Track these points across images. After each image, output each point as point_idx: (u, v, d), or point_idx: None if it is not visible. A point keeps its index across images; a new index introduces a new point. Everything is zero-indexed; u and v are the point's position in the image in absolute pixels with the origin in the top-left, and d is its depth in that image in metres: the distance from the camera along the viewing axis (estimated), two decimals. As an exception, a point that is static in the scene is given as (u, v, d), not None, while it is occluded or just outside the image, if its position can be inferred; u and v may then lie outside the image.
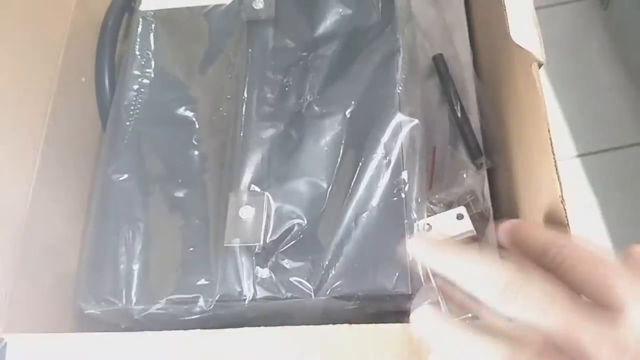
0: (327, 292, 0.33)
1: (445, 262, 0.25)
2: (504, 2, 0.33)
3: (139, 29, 0.44)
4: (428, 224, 0.35)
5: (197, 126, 0.40)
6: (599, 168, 0.77)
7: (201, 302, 0.34)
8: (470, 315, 0.28)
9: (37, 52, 0.40)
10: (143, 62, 0.43)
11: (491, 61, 0.46)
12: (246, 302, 0.33)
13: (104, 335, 0.31)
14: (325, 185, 0.36)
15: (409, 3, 0.43)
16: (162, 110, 0.41)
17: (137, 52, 0.43)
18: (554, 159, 0.29)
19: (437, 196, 0.41)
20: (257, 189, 0.36)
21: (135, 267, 0.35)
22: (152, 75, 0.42)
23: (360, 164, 0.36)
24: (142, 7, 0.45)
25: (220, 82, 0.41)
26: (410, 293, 0.33)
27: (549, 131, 0.30)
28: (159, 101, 0.41)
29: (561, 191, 0.29)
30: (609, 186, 0.76)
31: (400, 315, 0.37)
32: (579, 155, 0.78)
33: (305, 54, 0.41)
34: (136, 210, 0.37)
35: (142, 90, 0.42)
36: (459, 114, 0.46)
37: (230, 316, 0.35)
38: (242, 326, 0.31)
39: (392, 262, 0.34)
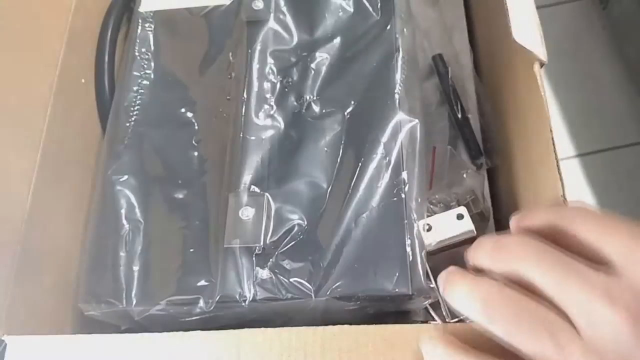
0: (328, 293, 0.33)
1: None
2: (505, 1, 0.33)
3: (139, 30, 0.44)
4: (428, 224, 0.35)
5: (196, 127, 0.40)
6: (598, 168, 0.77)
7: (201, 303, 0.34)
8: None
9: (37, 53, 0.40)
10: (143, 63, 0.43)
11: (491, 61, 0.46)
12: (246, 303, 0.33)
13: (104, 336, 0.31)
14: (325, 186, 0.36)
15: (409, 3, 0.43)
16: (162, 111, 0.41)
17: (137, 53, 0.43)
18: (556, 158, 0.29)
19: (437, 196, 0.41)
20: (257, 189, 0.36)
21: (136, 268, 0.35)
22: (152, 76, 0.42)
23: (360, 164, 0.36)
24: (142, 8, 0.45)
25: (220, 83, 0.41)
26: (410, 293, 0.33)
27: (551, 131, 0.30)
28: (159, 102, 0.41)
29: (563, 191, 0.29)
30: (608, 186, 0.76)
31: (400, 315, 0.37)
32: (578, 155, 0.78)
33: (304, 54, 0.41)
34: (136, 211, 0.37)
35: (142, 91, 0.42)
36: (458, 114, 0.46)
37: (230, 317, 0.35)
38: (242, 327, 0.30)
39: (392, 262, 0.34)
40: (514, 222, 0.27)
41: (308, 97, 0.39)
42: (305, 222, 0.35)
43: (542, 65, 0.31)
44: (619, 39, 0.81)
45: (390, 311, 0.36)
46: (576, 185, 0.75)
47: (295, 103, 0.39)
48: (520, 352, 0.23)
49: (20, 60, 0.38)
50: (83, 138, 0.44)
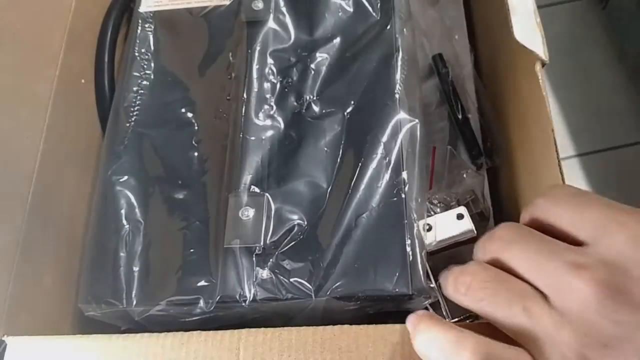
0: (328, 293, 0.33)
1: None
2: (507, 1, 0.33)
3: (138, 31, 0.44)
4: (428, 224, 0.35)
5: (196, 127, 0.40)
6: (598, 167, 0.77)
7: (201, 303, 0.34)
8: (469, 315, 0.28)
9: (37, 53, 0.40)
10: (142, 64, 0.43)
11: (492, 61, 0.46)
12: (246, 303, 0.33)
13: (104, 337, 0.31)
14: (325, 186, 0.36)
15: (408, 3, 0.43)
16: (162, 112, 0.41)
17: (137, 54, 0.43)
18: (557, 158, 0.30)
19: (437, 196, 0.41)
20: (256, 189, 0.36)
21: (136, 268, 0.35)
22: (152, 77, 0.42)
23: (360, 164, 0.36)
24: (141, 9, 0.45)
25: (220, 83, 0.41)
26: (410, 293, 0.33)
27: (552, 130, 0.30)
28: (159, 102, 0.41)
29: None
30: (608, 185, 0.76)
31: (401, 315, 0.37)
32: (578, 155, 0.78)
33: (304, 54, 0.41)
34: (136, 211, 0.37)
35: (142, 91, 0.42)
36: (458, 114, 0.46)
37: (230, 317, 0.35)
38: (242, 327, 0.31)
39: (392, 262, 0.34)
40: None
41: (308, 97, 0.39)
42: (305, 222, 0.35)
43: (543, 65, 0.32)
44: (619, 39, 0.81)
45: (390, 311, 0.36)
46: (576, 184, 0.75)
47: (295, 103, 0.39)
48: (500, 325, 0.24)
49: (20, 60, 0.38)
50: (83, 138, 0.44)
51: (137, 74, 0.42)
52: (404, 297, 0.33)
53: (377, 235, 0.35)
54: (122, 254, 0.36)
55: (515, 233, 0.25)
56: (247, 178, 0.36)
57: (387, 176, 0.36)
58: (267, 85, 0.40)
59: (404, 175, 0.36)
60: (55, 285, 0.38)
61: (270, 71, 0.40)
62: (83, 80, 0.45)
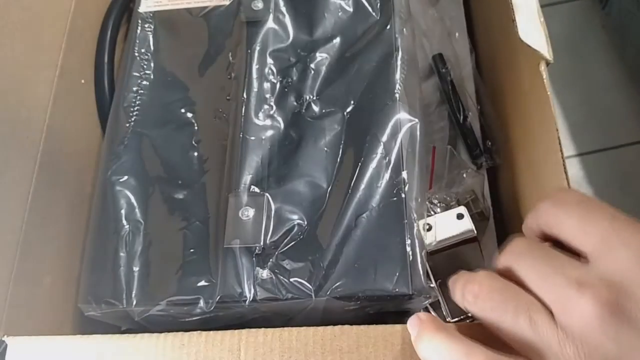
0: (328, 293, 0.33)
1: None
2: (510, 1, 0.33)
3: (138, 31, 0.44)
4: (428, 224, 0.35)
5: (196, 127, 0.40)
6: (599, 167, 0.77)
7: (202, 303, 0.34)
8: (469, 315, 0.28)
9: (37, 53, 0.40)
10: (142, 64, 0.43)
11: (493, 60, 0.46)
12: (247, 303, 0.33)
13: (105, 337, 0.31)
14: (325, 186, 0.36)
15: (408, 3, 0.43)
16: (162, 112, 0.41)
17: (136, 54, 0.43)
18: (562, 157, 0.30)
19: (437, 196, 0.41)
20: (256, 189, 0.36)
21: (136, 268, 0.35)
22: (152, 77, 0.42)
23: (360, 164, 0.36)
24: (141, 9, 0.45)
25: (220, 83, 0.41)
26: (410, 293, 0.33)
27: (557, 130, 0.30)
28: (159, 102, 0.41)
29: None
30: (608, 185, 0.76)
31: (401, 315, 0.37)
32: (579, 154, 0.78)
33: (304, 54, 0.41)
34: (136, 211, 0.37)
35: (142, 91, 0.42)
36: (459, 114, 0.46)
37: (230, 317, 0.35)
38: (242, 327, 0.30)
39: (392, 262, 0.34)
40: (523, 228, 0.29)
41: (308, 97, 0.39)
42: (305, 222, 0.35)
43: (547, 64, 0.32)
44: (618, 39, 0.81)
45: (391, 311, 0.36)
46: (576, 184, 0.75)
47: (295, 103, 0.39)
48: (504, 335, 0.25)
49: (20, 60, 0.38)
50: (83, 138, 0.44)
51: (136, 74, 0.42)
52: (404, 297, 0.33)
53: (377, 235, 0.35)
54: (122, 254, 0.36)
55: (525, 247, 0.26)
56: (247, 178, 0.36)
57: (387, 176, 0.36)
58: (266, 85, 0.40)
59: (404, 175, 0.36)
60: (55, 285, 0.38)
61: (270, 71, 0.40)
62: (83, 81, 0.45)
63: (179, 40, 0.44)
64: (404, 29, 0.41)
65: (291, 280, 0.34)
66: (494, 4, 0.41)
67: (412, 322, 0.28)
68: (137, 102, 0.41)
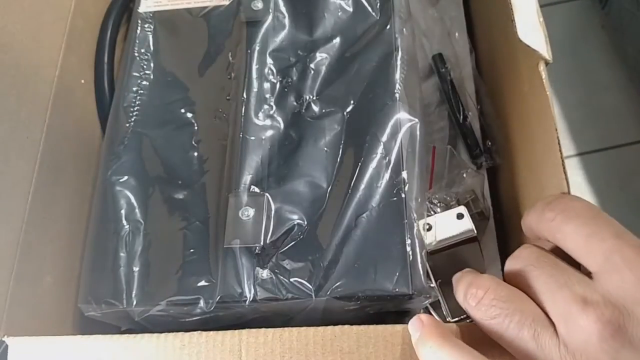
0: (328, 293, 0.33)
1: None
2: (510, 0, 0.33)
3: (138, 31, 0.44)
4: (428, 224, 0.35)
5: (196, 127, 0.40)
6: (598, 167, 0.77)
7: (202, 303, 0.34)
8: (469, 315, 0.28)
9: (37, 53, 0.40)
10: (142, 64, 0.43)
11: (492, 60, 0.46)
12: (247, 303, 0.33)
13: (105, 337, 0.31)
14: (325, 186, 0.36)
15: (408, 2, 0.43)
16: (162, 112, 0.41)
17: (136, 54, 0.43)
18: (561, 157, 0.30)
19: (437, 196, 0.41)
20: (256, 189, 0.36)
21: (136, 269, 0.35)
22: (152, 77, 0.42)
23: (360, 164, 0.36)
24: (141, 9, 0.45)
25: (220, 83, 0.41)
26: (410, 293, 0.33)
27: (556, 130, 0.30)
28: (159, 102, 0.41)
29: (568, 190, 0.29)
30: (608, 185, 0.76)
31: (401, 315, 0.37)
32: (578, 154, 0.78)
33: (304, 54, 0.41)
34: (136, 211, 0.37)
35: (142, 91, 0.42)
36: (458, 114, 0.46)
37: (230, 317, 0.35)
38: (242, 327, 0.31)
39: (393, 262, 0.34)
40: (522, 224, 0.29)
41: (307, 97, 0.39)
42: (305, 222, 0.35)
43: (547, 64, 0.32)
44: (618, 38, 0.81)
45: (391, 311, 0.36)
46: (576, 184, 0.75)
47: (294, 103, 0.39)
48: (504, 343, 0.25)
49: (20, 60, 0.38)
50: (83, 138, 0.44)
51: (136, 74, 0.42)
52: (404, 296, 0.33)
53: (377, 235, 0.35)
54: (122, 254, 0.36)
55: (535, 258, 0.26)
56: (247, 178, 0.36)
57: (387, 176, 0.36)
58: (266, 85, 0.40)
59: (404, 174, 0.36)
60: (55, 285, 0.38)
61: (269, 71, 0.40)
62: (83, 81, 0.45)
63: (178, 40, 0.43)
64: (404, 29, 0.41)
65: (291, 280, 0.34)
66: (493, 4, 0.41)
67: (413, 323, 0.28)
68: (137, 102, 0.41)
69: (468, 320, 0.31)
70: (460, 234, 0.35)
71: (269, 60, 0.41)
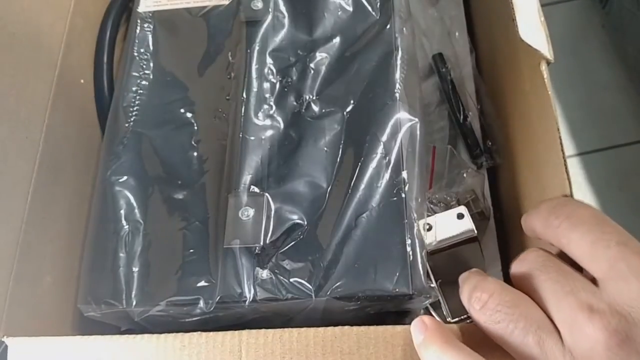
0: (328, 293, 0.33)
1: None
2: (511, 0, 0.33)
3: (137, 30, 0.44)
4: (428, 224, 0.35)
5: (196, 127, 0.40)
6: (598, 167, 0.77)
7: (201, 304, 0.34)
8: (469, 315, 0.28)
9: (36, 53, 0.40)
10: (141, 64, 0.43)
11: (493, 60, 0.46)
12: (246, 303, 0.33)
13: (105, 337, 0.31)
14: (325, 186, 0.36)
15: (408, 2, 0.43)
16: (161, 112, 0.41)
17: (136, 54, 0.43)
18: (563, 157, 0.29)
19: (437, 196, 0.41)
20: (256, 189, 0.36)
21: (135, 269, 0.35)
22: (151, 77, 0.42)
23: (359, 163, 0.36)
24: (140, 9, 0.45)
25: (220, 83, 0.41)
26: (411, 293, 0.33)
27: (558, 130, 0.30)
28: (158, 102, 0.41)
29: (570, 190, 0.29)
30: (608, 185, 0.76)
31: (401, 315, 0.37)
32: (579, 154, 0.78)
33: (304, 54, 0.41)
34: (136, 211, 0.37)
35: (141, 91, 0.42)
36: (459, 114, 0.46)
37: (230, 318, 0.35)
38: (242, 328, 0.30)
39: (393, 262, 0.34)
40: (522, 222, 0.29)
41: (307, 97, 0.39)
42: (305, 222, 0.35)
43: (548, 63, 0.31)
44: (618, 38, 0.81)
45: (391, 311, 0.36)
46: (576, 184, 0.75)
47: (294, 103, 0.39)
48: (508, 348, 0.25)
49: (19, 60, 0.38)
50: (82, 138, 0.44)
51: (136, 74, 0.42)
52: (404, 297, 0.33)
53: (377, 235, 0.34)
54: (121, 255, 0.36)
55: (541, 262, 0.26)
56: (246, 178, 0.36)
57: (387, 176, 0.36)
58: (266, 85, 0.40)
59: (404, 174, 0.36)
60: (55, 285, 0.38)
61: (269, 71, 0.40)
62: (82, 80, 0.45)
63: (178, 40, 0.43)
64: (404, 29, 0.41)
65: (291, 280, 0.34)
66: (494, 3, 0.41)
67: (416, 326, 0.28)
68: (137, 102, 0.41)
69: (468, 321, 0.31)
70: (461, 234, 0.35)
71: (269, 60, 0.40)
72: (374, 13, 0.42)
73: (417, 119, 0.38)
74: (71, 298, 0.39)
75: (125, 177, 0.38)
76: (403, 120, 0.37)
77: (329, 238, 0.35)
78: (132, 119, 0.40)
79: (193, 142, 0.39)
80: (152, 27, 0.44)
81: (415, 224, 0.35)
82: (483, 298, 0.26)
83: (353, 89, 0.39)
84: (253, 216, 0.35)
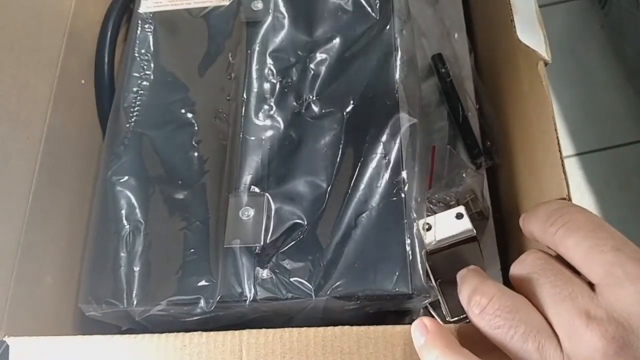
0: (328, 292, 0.33)
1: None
2: (509, 1, 0.33)
3: (138, 31, 0.44)
4: (427, 224, 0.36)
5: (196, 127, 0.40)
6: (598, 167, 0.77)
7: (202, 303, 0.34)
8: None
9: (37, 54, 0.40)
10: (142, 64, 0.43)
11: (492, 60, 0.46)
12: (247, 303, 0.34)
13: (105, 337, 0.31)
14: (325, 186, 0.36)
15: (407, 3, 0.44)
16: (162, 112, 0.41)
17: (136, 54, 0.43)
18: (560, 157, 0.30)
19: (436, 196, 0.41)
20: (256, 189, 0.36)
21: (136, 268, 0.35)
22: (152, 77, 0.42)
23: (359, 163, 0.37)
24: (141, 9, 0.45)
25: (220, 84, 0.41)
26: (410, 293, 0.33)
27: (555, 130, 0.30)
28: (159, 103, 0.41)
29: (568, 190, 0.29)
30: (608, 185, 0.76)
31: (400, 314, 0.37)
32: (577, 154, 0.78)
33: (304, 54, 0.41)
34: (136, 211, 0.37)
35: (142, 92, 0.42)
36: (458, 114, 0.46)
37: (231, 317, 0.35)
38: (242, 327, 0.31)
39: (392, 261, 0.34)
40: (521, 223, 0.29)
41: (307, 97, 0.39)
42: (305, 222, 0.35)
43: (546, 64, 0.32)
44: (617, 38, 0.81)
45: (391, 310, 0.36)
46: (575, 184, 0.75)
47: (294, 103, 0.39)
48: (508, 353, 0.25)
49: (20, 61, 0.38)
50: (83, 139, 0.44)
51: (137, 75, 0.42)
52: (403, 296, 0.33)
53: (377, 235, 0.35)
54: (122, 254, 0.36)
55: (540, 266, 0.26)
56: (247, 178, 0.37)
57: (386, 176, 0.36)
58: (266, 85, 0.40)
59: (404, 174, 0.36)
60: (55, 285, 0.38)
61: (269, 71, 0.40)
62: (83, 81, 0.45)
63: (179, 40, 0.44)
64: (404, 29, 0.41)
65: (291, 280, 0.34)
66: (492, 4, 0.41)
67: (417, 328, 0.28)
68: (137, 103, 0.41)
69: (467, 321, 0.31)
70: (460, 234, 0.35)
71: (269, 61, 0.41)
72: (373, 14, 0.42)
73: (416, 119, 0.38)
74: (72, 298, 0.39)
75: (126, 177, 0.38)
76: (403, 120, 0.38)
77: (329, 238, 0.35)
78: (132, 120, 0.41)
79: (194, 143, 0.39)
80: (152, 27, 0.44)
81: (415, 224, 0.35)
82: (482, 303, 0.26)
83: (353, 90, 0.39)
84: (253, 216, 0.35)
